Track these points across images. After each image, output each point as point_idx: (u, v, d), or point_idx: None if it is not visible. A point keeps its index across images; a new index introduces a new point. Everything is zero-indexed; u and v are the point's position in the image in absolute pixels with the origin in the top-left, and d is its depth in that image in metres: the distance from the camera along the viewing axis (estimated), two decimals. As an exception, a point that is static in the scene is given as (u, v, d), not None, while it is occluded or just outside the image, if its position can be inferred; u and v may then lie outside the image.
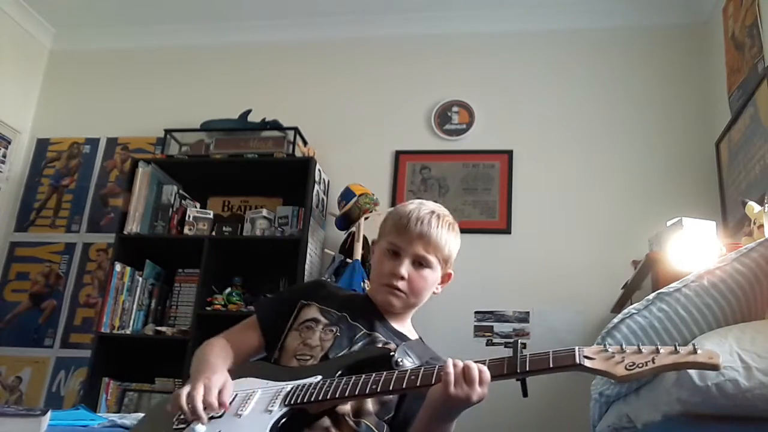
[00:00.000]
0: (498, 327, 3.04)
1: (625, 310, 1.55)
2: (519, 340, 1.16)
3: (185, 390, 1.19)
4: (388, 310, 1.40)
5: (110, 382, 2.95)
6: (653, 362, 0.99)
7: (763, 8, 2.55)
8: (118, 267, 3.04)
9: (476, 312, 3.08)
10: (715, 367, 0.98)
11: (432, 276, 1.39)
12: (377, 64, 3.61)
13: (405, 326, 1.44)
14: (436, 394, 1.11)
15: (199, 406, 1.16)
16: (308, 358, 1.30)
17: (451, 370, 1.09)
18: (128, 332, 3.00)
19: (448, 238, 1.39)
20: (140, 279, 3.09)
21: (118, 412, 2.76)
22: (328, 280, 2.78)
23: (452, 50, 3.56)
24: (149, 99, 3.75)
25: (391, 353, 1.24)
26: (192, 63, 3.80)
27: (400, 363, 1.23)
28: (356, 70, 3.62)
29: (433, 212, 1.39)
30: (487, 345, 3.02)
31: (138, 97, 3.77)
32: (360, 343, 1.32)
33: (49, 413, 1.45)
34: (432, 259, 1.37)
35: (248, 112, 3.40)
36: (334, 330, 1.33)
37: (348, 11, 3.61)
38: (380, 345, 1.32)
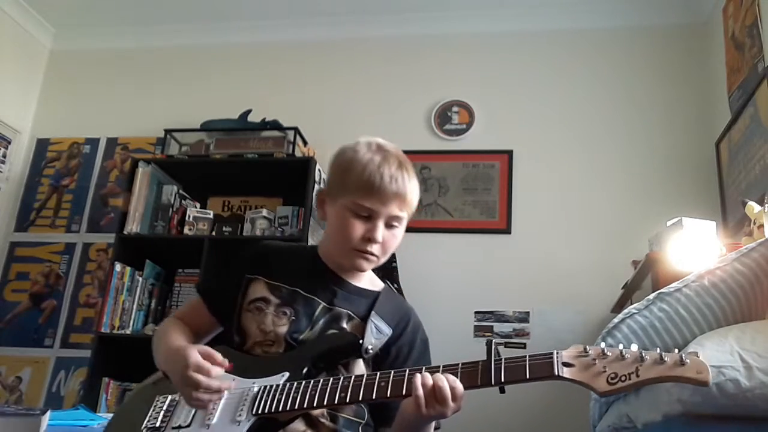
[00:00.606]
0: (498, 327, 3.04)
1: (626, 310, 1.55)
2: (493, 341, 1.08)
3: (188, 390, 1.11)
4: (348, 270, 1.32)
5: (110, 382, 2.95)
6: (637, 375, 0.95)
7: (763, 8, 2.55)
8: (118, 267, 3.03)
9: (476, 312, 3.08)
10: (704, 384, 0.94)
11: (401, 232, 1.30)
12: (377, 64, 3.61)
13: (364, 279, 1.35)
14: (409, 408, 1.06)
15: (212, 383, 1.10)
16: (270, 344, 1.23)
17: (420, 392, 1.03)
18: (128, 332, 3.00)
19: (417, 189, 1.29)
20: (140, 279, 3.09)
21: (118, 412, 2.76)
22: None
23: (452, 50, 3.56)
24: (149, 99, 3.75)
25: (360, 341, 1.20)
26: (192, 63, 3.80)
27: (370, 350, 1.20)
28: (356, 70, 3.62)
29: (400, 164, 1.27)
30: (487, 345, 3.01)
31: (138, 97, 3.77)
32: (321, 322, 1.24)
33: (48, 413, 1.45)
34: (404, 215, 1.28)
35: (248, 112, 3.40)
36: (288, 313, 1.25)
37: (348, 11, 3.61)
38: (344, 323, 1.25)
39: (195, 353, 1.13)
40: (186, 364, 1.12)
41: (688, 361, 0.94)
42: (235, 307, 1.31)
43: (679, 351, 0.98)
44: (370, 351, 1.20)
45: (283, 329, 1.23)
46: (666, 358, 0.95)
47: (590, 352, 1.00)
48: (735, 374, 1.22)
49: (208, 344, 1.35)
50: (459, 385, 1.04)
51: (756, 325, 1.38)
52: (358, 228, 1.24)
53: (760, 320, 1.44)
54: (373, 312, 1.26)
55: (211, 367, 1.12)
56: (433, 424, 1.17)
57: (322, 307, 1.26)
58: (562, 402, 2.76)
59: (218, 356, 1.15)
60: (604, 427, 1.69)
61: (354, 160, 1.27)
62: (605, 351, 0.99)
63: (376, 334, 1.23)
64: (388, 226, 1.26)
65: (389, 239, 1.26)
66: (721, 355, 1.24)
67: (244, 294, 1.31)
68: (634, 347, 0.99)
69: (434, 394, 1.03)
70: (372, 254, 1.25)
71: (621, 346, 1.00)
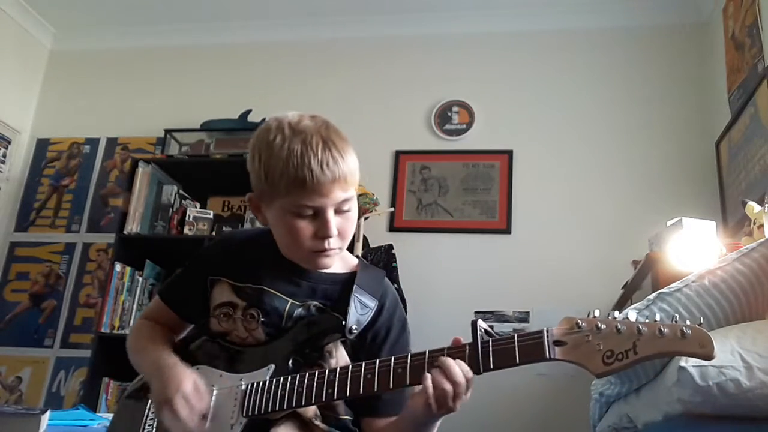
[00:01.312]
0: (498, 327, 3.04)
1: (626, 310, 1.55)
2: (478, 321, 1.00)
3: (167, 414, 1.08)
4: None
5: (110, 382, 2.95)
6: (635, 351, 0.88)
7: (763, 8, 2.55)
8: (118, 267, 3.03)
9: (476, 312, 3.07)
10: (707, 358, 0.87)
11: (354, 211, 1.17)
12: (377, 64, 3.61)
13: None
14: (419, 408, 1.01)
15: (190, 424, 1.07)
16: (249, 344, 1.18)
17: (431, 392, 0.97)
18: (128, 332, 2.99)
19: (354, 160, 1.15)
20: (140, 279, 3.09)
21: (118, 412, 2.76)
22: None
23: (452, 50, 3.56)
24: (149, 99, 3.75)
25: (343, 322, 1.13)
26: (192, 63, 3.79)
27: (355, 330, 1.14)
28: (356, 70, 3.62)
29: (324, 143, 1.10)
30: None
31: (138, 97, 3.77)
32: (294, 316, 1.17)
33: (48, 413, 1.45)
34: (352, 194, 1.15)
35: (248, 112, 3.40)
36: (256, 315, 1.17)
37: (348, 11, 3.61)
38: (315, 312, 1.18)
39: (189, 383, 1.10)
40: (177, 390, 1.08)
41: (689, 333, 0.87)
42: (202, 307, 1.25)
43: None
44: (355, 330, 1.14)
45: (257, 333, 1.17)
46: (666, 331, 0.88)
47: (583, 326, 0.93)
48: (736, 374, 1.22)
49: (190, 334, 1.33)
50: (470, 373, 0.98)
51: (757, 325, 1.38)
52: (307, 229, 1.12)
53: (761, 320, 1.44)
54: (355, 286, 1.18)
55: (198, 404, 1.09)
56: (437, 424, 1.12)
57: (291, 303, 1.18)
58: (563, 401, 2.76)
59: (206, 395, 1.11)
60: (604, 427, 1.69)
61: (272, 156, 1.12)
62: (599, 324, 0.91)
63: (361, 309, 1.17)
64: (339, 211, 1.13)
65: (344, 225, 1.14)
66: (721, 355, 1.24)
67: (209, 297, 1.24)
68: (632, 316, 0.92)
69: (453, 390, 0.97)
70: (331, 249, 1.14)
71: (617, 315, 0.94)
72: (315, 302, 1.19)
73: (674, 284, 1.52)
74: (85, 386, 2.97)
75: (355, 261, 1.29)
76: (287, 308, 1.18)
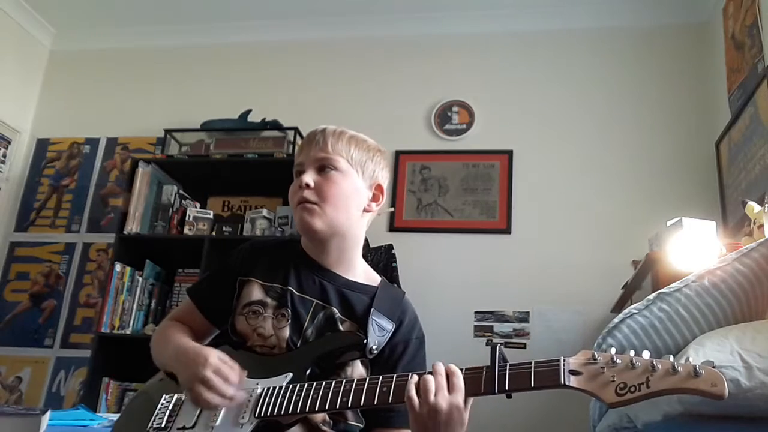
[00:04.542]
0: (498, 327, 3.04)
1: (626, 310, 1.55)
2: (498, 346, 1.03)
3: (201, 389, 1.09)
4: (314, 237, 1.27)
5: (110, 382, 2.95)
6: (647, 386, 0.90)
7: (763, 8, 2.55)
8: (118, 267, 3.04)
9: (476, 312, 3.08)
10: (719, 397, 0.88)
11: (344, 180, 1.27)
12: (377, 64, 3.61)
13: (356, 270, 1.32)
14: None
15: (227, 390, 1.08)
16: (272, 347, 1.21)
17: (416, 401, 0.99)
18: (128, 332, 3.00)
19: (350, 141, 1.30)
20: (140, 279, 3.09)
21: (118, 412, 2.76)
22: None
23: (452, 50, 3.56)
24: (149, 99, 3.75)
25: (364, 341, 1.17)
26: (192, 63, 3.80)
27: (375, 350, 1.18)
28: (356, 69, 3.62)
29: (329, 126, 1.32)
30: (486, 345, 3.02)
31: (138, 97, 3.77)
32: (316, 320, 1.23)
33: (48, 413, 1.45)
34: (336, 158, 1.27)
35: (248, 112, 3.40)
36: (286, 314, 1.22)
37: (348, 11, 3.61)
38: (339, 325, 1.22)
39: (215, 356, 1.12)
40: (205, 363, 1.10)
41: (702, 372, 0.89)
42: (230, 308, 1.28)
43: (686, 356, 0.95)
44: (375, 351, 1.18)
45: (284, 332, 1.21)
46: (679, 369, 0.90)
47: (599, 359, 0.96)
48: (735, 374, 1.22)
49: (210, 343, 1.35)
50: (462, 387, 1.01)
51: (756, 325, 1.38)
52: (295, 185, 1.29)
53: (761, 320, 1.44)
54: (372, 309, 1.23)
55: (230, 373, 1.11)
56: None
57: (315, 304, 1.24)
58: (563, 401, 2.76)
59: (236, 365, 1.13)
60: (604, 427, 1.69)
61: None
62: (614, 358, 0.95)
63: (379, 331, 1.21)
64: (321, 170, 1.28)
65: (323, 183, 1.26)
66: (721, 355, 1.24)
67: (238, 296, 1.28)
68: (646, 354, 0.95)
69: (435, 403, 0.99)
70: (306, 201, 1.25)
71: (632, 353, 0.96)
72: (337, 311, 1.23)
73: (674, 284, 1.52)
74: (85, 386, 2.97)
75: (378, 279, 1.35)
76: (311, 310, 1.24)
